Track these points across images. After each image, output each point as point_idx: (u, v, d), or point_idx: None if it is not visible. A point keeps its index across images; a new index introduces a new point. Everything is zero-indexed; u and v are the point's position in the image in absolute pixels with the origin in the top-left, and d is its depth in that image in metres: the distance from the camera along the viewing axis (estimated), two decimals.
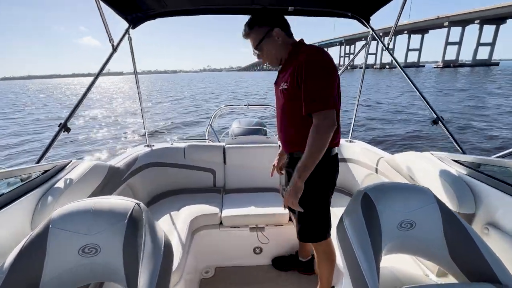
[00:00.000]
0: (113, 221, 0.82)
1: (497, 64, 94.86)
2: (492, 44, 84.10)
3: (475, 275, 0.83)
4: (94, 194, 1.36)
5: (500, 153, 1.35)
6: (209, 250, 1.82)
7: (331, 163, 1.25)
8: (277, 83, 1.30)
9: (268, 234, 1.81)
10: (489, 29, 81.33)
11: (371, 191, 0.94)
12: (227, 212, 1.79)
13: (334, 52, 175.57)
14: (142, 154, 2.08)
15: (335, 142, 1.22)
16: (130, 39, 1.90)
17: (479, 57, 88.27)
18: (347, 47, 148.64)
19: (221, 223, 1.80)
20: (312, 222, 1.28)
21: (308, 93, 1.07)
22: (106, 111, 15.49)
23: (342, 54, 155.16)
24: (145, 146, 2.25)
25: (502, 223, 1.07)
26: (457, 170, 1.33)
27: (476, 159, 1.28)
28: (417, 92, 1.66)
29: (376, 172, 1.90)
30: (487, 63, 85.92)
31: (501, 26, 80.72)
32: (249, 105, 2.84)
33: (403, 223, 0.92)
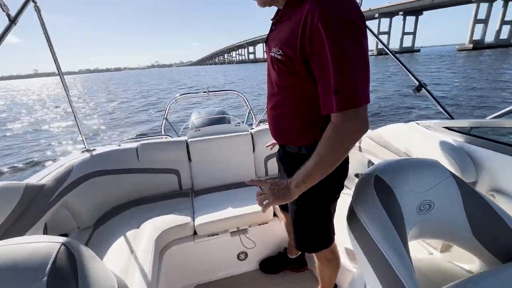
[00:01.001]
0: (23, 283, 0.49)
1: (418, 50, 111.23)
2: (414, 33, 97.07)
3: (506, 254, 0.73)
4: (0, 232, 1.00)
5: (493, 115, 1.27)
6: (185, 268, 1.55)
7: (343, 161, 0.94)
8: (268, 44, 0.91)
9: (252, 236, 1.61)
10: (411, 20, 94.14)
11: (382, 172, 0.80)
12: (201, 219, 1.52)
13: None
14: (79, 162, 1.64)
15: None
16: (37, 9, 1.43)
17: (404, 45, 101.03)
18: None
19: (195, 233, 1.53)
20: (314, 230, 1.04)
21: (328, 78, 0.66)
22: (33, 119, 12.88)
23: None
24: (82, 151, 1.79)
25: (508, 187, 1.01)
26: (450, 137, 1.25)
27: (467, 123, 1.22)
28: (396, 60, 1.55)
29: (360, 150, 1.79)
30: (411, 50, 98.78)
31: (420, 17, 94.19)
32: (209, 91, 2.50)
33: (422, 205, 0.81)
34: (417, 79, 1.46)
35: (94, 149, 1.82)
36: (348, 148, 0.74)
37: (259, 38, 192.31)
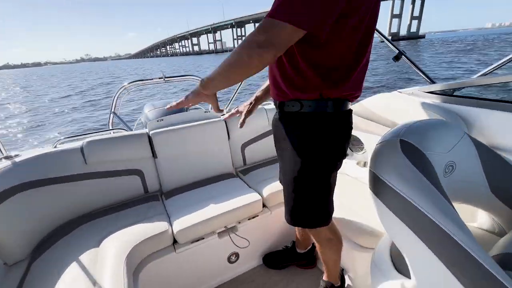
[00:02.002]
0: None
1: None
2: None
3: None
4: None
5: (475, 75, 1.26)
6: (169, 284, 1.34)
7: (341, 122, 0.87)
8: None
9: (244, 233, 1.44)
10: None
11: (407, 135, 0.73)
12: (180, 224, 1.30)
13: (229, 34, 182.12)
14: None
15: (355, 96, 0.87)
16: None
17: None
18: (239, 29, 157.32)
19: (175, 241, 1.32)
20: (311, 202, 0.93)
21: None
22: None
23: (235, 36, 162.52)
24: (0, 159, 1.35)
25: (499, 141, 1.01)
26: (435, 101, 1.25)
27: (448, 85, 1.23)
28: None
29: None
30: None
31: None
32: (165, 77, 2.06)
33: (447, 167, 0.76)
34: (396, 47, 1.41)
35: (17, 155, 1.39)
36: (249, 59, 0.66)
37: (202, 28, 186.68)
